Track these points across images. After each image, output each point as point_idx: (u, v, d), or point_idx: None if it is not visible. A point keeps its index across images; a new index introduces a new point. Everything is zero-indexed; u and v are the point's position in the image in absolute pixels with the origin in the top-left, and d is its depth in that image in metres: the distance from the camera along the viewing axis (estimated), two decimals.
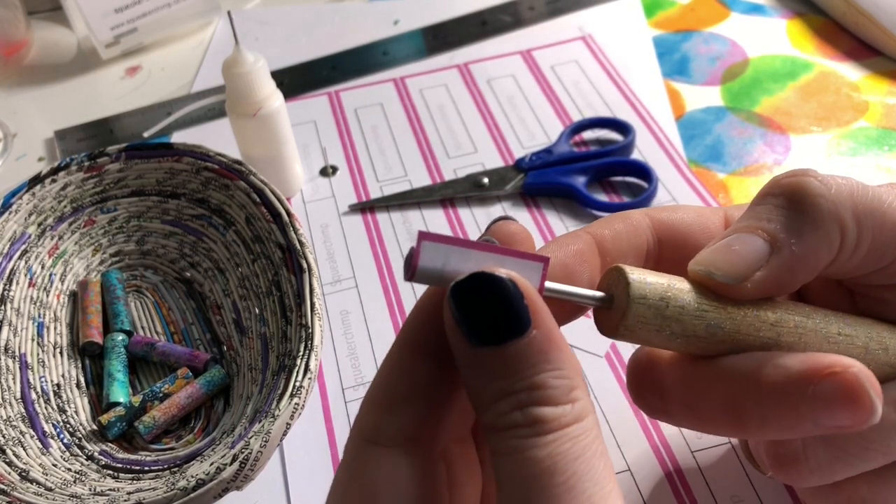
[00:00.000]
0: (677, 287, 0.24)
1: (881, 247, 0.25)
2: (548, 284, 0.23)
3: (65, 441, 0.37)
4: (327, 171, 0.52)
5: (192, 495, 0.30)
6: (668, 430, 0.36)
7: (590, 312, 0.26)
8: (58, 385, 0.39)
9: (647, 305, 0.24)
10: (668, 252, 0.28)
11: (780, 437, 0.25)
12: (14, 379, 0.38)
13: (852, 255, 0.25)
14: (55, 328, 0.41)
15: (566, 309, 0.26)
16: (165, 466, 0.36)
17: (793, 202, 0.25)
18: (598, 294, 0.24)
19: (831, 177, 0.25)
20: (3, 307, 0.39)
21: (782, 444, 0.27)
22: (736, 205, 0.29)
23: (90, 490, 0.34)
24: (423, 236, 0.21)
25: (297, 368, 0.33)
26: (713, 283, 0.25)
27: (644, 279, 0.24)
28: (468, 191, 0.49)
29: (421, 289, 0.44)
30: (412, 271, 0.21)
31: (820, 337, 0.25)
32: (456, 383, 0.23)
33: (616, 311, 0.24)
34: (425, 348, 0.22)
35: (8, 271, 0.41)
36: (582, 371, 0.21)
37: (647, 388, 0.28)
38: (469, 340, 0.21)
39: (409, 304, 0.43)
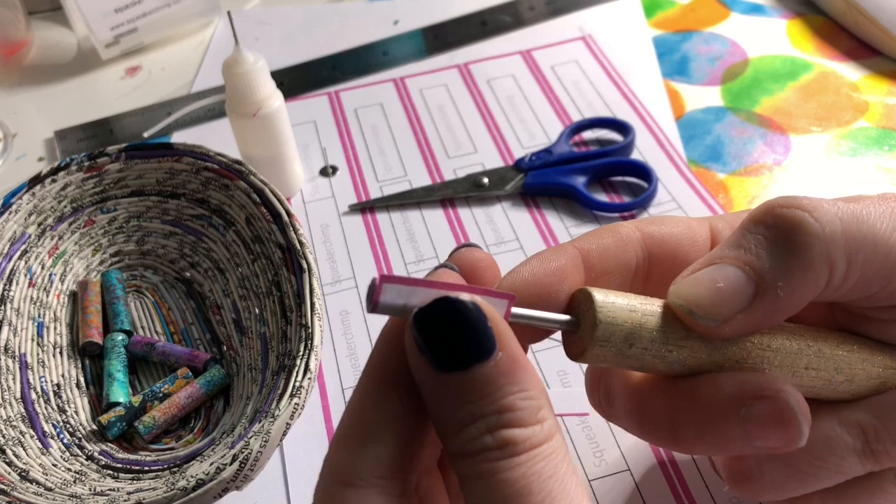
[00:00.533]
0: (646, 327, 0.24)
1: (869, 279, 0.25)
2: (513, 310, 0.23)
3: (65, 441, 0.37)
4: (327, 171, 0.52)
5: (191, 495, 0.30)
6: None
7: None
8: (58, 385, 0.39)
9: (610, 346, 0.23)
10: (658, 266, 0.27)
11: (714, 453, 0.25)
12: (14, 379, 0.38)
13: (838, 289, 0.25)
14: (55, 328, 0.41)
15: (531, 331, 0.26)
16: (165, 466, 0.36)
17: (785, 239, 0.24)
18: (565, 318, 0.24)
19: (825, 209, 0.24)
20: (3, 307, 0.39)
21: (738, 460, 0.27)
22: (720, 215, 0.29)
23: (90, 490, 0.34)
24: (385, 279, 0.21)
25: (297, 368, 0.34)
26: (691, 322, 0.24)
27: (612, 319, 0.23)
28: (468, 191, 0.49)
29: None
30: (373, 306, 0.21)
31: (784, 371, 0.25)
32: (427, 414, 0.22)
33: (578, 342, 0.24)
34: (394, 379, 0.22)
35: (8, 271, 0.41)
36: (546, 391, 0.22)
37: (598, 390, 0.29)
38: (434, 367, 0.21)
39: None
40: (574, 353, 0.24)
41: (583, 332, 0.24)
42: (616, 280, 0.27)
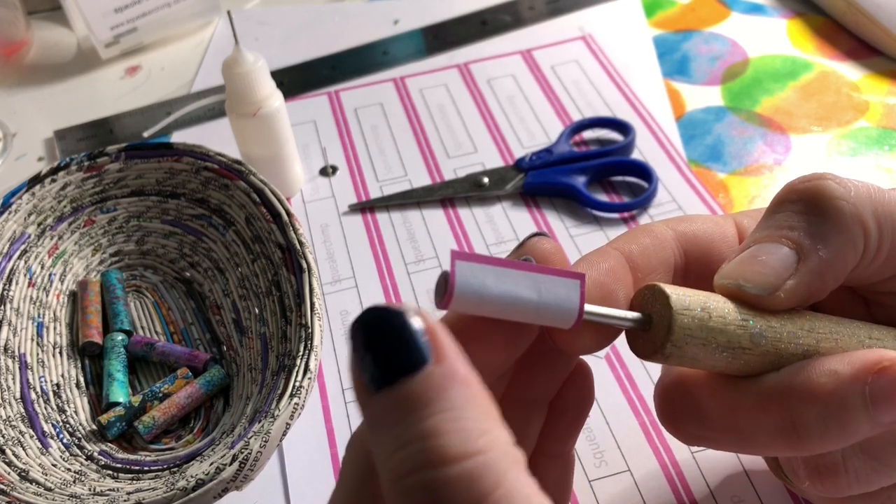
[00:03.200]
0: (715, 298, 0.24)
1: None
2: (587, 308, 0.21)
3: (64, 441, 0.37)
4: (327, 171, 0.52)
5: (191, 495, 0.30)
6: None
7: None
8: (57, 385, 0.39)
9: (692, 317, 0.23)
10: (694, 264, 0.27)
11: (839, 445, 0.24)
12: (14, 379, 0.38)
13: (874, 258, 0.25)
14: (55, 328, 0.41)
15: (601, 332, 0.24)
16: (165, 466, 0.36)
17: (813, 207, 0.24)
18: (636, 315, 0.23)
19: (849, 179, 0.25)
20: (2, 307, 0.39)
21: (822, 456, 0.26)
22: (743, 211, 0.29)
23: (90, 490, 0.34)
24: (457, 255, 0.19)
25: (296, 368, 0.33)
26: (745, 295, 0.24)
27: (682, 292, 0.23)
28: (468, 191, 0.49)
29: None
30: (449, 296, 0.19)
31: (855, 341, 0.25)
32: None
33: (659, 329, 0.23)
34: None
35: (8, 271, 0.41)
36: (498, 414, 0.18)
37: (683, 415, 0.27)
38: (367, 387, 0.18)
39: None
40: (646, 352, 0.23)
41: (658, 320, 0.23)
42: (660, 279, 0.26)
